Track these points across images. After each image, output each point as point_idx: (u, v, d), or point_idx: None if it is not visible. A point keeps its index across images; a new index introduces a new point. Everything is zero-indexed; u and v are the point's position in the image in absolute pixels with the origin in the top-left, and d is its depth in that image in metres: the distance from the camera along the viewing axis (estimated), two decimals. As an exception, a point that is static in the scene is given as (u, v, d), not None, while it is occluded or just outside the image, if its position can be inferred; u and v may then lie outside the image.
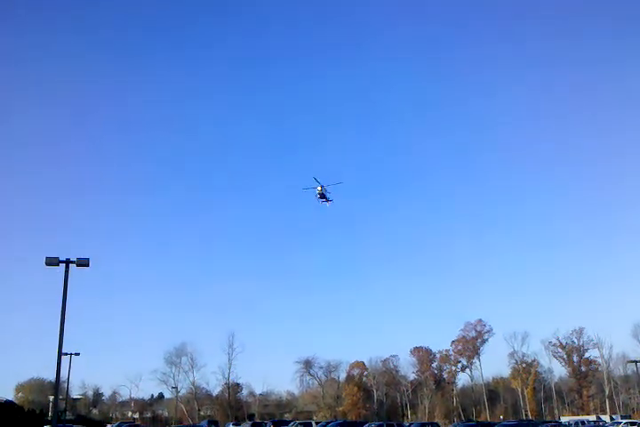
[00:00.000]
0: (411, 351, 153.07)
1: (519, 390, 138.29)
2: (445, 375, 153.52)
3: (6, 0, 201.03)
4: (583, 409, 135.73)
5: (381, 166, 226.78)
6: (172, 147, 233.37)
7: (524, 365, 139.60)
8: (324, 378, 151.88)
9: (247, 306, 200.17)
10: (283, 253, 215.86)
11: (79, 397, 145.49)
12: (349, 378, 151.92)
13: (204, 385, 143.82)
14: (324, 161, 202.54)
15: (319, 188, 73.73)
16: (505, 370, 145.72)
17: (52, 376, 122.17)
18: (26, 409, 60.60)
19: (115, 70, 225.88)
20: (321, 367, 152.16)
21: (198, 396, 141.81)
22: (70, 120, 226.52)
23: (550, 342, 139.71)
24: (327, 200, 77.26)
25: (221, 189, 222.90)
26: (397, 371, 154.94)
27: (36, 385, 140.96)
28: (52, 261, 31.67)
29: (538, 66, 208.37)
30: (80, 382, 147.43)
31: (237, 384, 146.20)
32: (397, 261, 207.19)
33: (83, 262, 32.09)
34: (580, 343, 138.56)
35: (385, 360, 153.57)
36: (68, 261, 31.90)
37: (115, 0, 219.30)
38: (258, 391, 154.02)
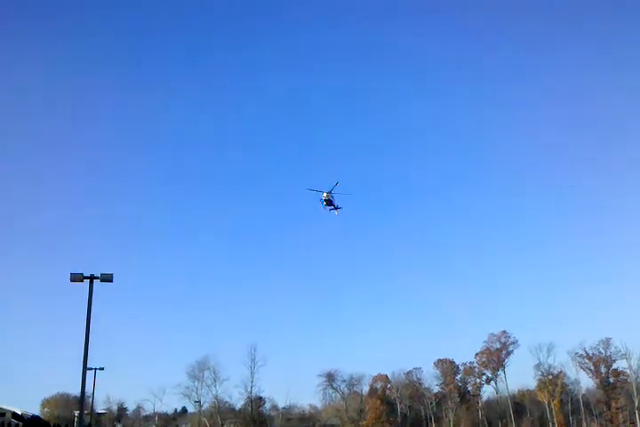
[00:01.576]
0: (434, 364, 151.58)
1: (546, 402, 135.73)
2: (470, 388, 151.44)
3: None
4: (612, 421, 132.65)
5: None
6: (202, 164, 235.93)
7: (550, 377, 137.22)
8: (346, 391, 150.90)
9: (268, 319, 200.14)
10: (303, 266, 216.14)
11: (104, 411, 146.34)
12: (372, 391, 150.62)
13: (227, 399, 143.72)
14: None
15: (325, 194, 69.88)
16: (531, 382, 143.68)
17: (77, 391, 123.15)
18: (52, 424, 61.32)
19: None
20: (343, 381, 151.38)
21: (221, 410, 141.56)
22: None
23: (577, 353, 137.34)
24: (335, 208, 73.10)
25: (245, 204, 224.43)
26: (421, 384, 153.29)
27: (62, 400, 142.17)
28: (77, 278, 32.26)
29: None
30: (104, 397, 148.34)
31: (260, 398, 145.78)
32: (420, 274, 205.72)
33: (106, 278, 32.63)
34: (608, 354, 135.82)
35: (408, 373, 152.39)
36: (92, 277, 32.48)
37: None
38: (281, 405, 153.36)
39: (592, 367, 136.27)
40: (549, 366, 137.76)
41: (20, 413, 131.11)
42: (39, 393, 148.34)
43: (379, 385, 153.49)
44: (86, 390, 34.36)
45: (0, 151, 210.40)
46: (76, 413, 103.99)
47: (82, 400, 36.27)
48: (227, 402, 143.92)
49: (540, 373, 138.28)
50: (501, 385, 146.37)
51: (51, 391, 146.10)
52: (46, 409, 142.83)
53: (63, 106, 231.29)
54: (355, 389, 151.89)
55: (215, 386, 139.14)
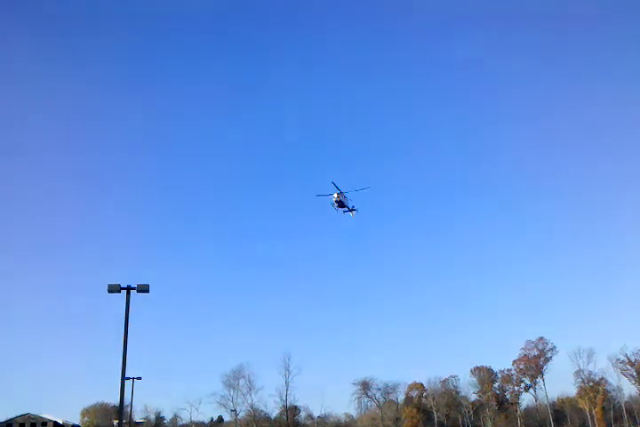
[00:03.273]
0: (471, 371, 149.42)
1: (587, 410, 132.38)
2: (508, 396, 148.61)
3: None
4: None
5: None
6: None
7: (591, 383, 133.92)
8: (382, 400, 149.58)
9: (303, 328, 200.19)
10: (337, 273, 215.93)
11: (142, 421, 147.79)
12: (408, 400, 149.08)
13: (263, 408, 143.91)
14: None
15: (335, 195, 64.32)
16: (571, 389, 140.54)
17: (115, 400, 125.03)
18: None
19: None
20: (379, 389, 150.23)
21: (257, 419, 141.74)
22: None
23: (618, 359, 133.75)
24: (350, 210, 67.44)
25: (275, 218, 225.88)
26: (458, 392, 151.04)
27: (101, 409, 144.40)
28: (114, 288, 32.93)
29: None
30: (142, 406, 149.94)
31: (295, 407, 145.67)
32: (456, 280, 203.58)
33: (143, 288, 33.21)
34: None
35: (444, 381, 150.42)
36: (129, 288, 33.11)
37: None
38: (316, 414, 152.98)
39: (634, 373, 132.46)
40: (590, 373, 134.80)
41: (61, 422, 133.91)
42: (79, 403, 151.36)
43: (414, 393, 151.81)
44: (125, 399, 34.88)
45: (35, 166, 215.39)
46: (115, 422, 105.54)
47: (120, 409, 36.76)
48: (262, 411, 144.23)
49: (580, 379, 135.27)
50: (540, 393, 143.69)
51: (90, 401, 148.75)
52: (86, 419, 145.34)
53: (99, 118, 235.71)
54: (390, 397, 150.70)
55: (250, 395, 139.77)
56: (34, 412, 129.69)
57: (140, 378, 68.10)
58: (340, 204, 65.73)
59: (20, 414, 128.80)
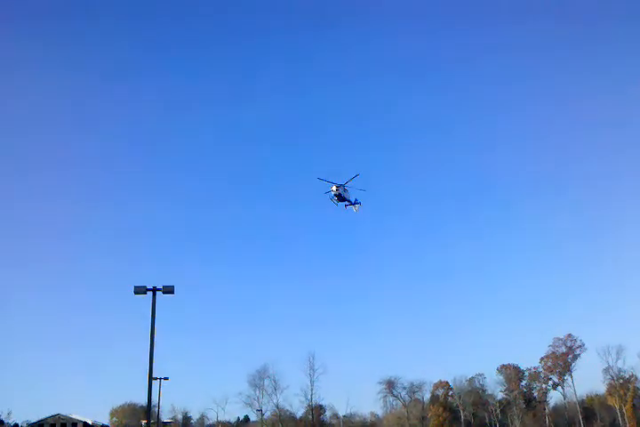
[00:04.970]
0: (497, 369, 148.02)
1: (617, 407, 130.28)
2: (536, 394, 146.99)
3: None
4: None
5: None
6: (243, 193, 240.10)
7: (620, 380, 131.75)
8: (407, 399, 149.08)
9: (327, 326, 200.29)
10: (358, 272, 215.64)
11: (169, 421, 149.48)
12: (434, 398, 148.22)
13: (288, 407, 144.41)
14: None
15: (334, 187, 60.21)
16: (600, 387, 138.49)
17: (143, 401, 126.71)
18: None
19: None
20: (404, 388, 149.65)
21: (282, 418, 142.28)
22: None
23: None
24: (351, 203, 63.04)
25: (294, 226, 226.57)
26: (484, 390, 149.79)
27: (129, 410, 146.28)
28: (140, 290, 33.37)
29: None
30: (170, 406, 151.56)
31: (320, 406, 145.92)
32: (481, 277, 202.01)
33: (168, 290, 33.61)
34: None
35: (470, 379, 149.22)
36: (154, 289, 33.53)
37: None
38: (341, 413, 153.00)
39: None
40: (619, 370, 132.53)
41: (90, 422, 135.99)
42: (108, 403, 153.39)
43: (440, 392, 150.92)
44: (152, 399, 35.31)
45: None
46: (143, 422, 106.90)
47: (148, 410, 37.24)
48: (287, 410, 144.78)
49: (609, 377, 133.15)
50: (569, 390, 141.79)
51: (119, 401, 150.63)
52: (115, 419, 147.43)
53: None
54: (416, 396, 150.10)
55: (276, 394, 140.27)
56: (64, 412, 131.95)
57: (167, 378, 68.86)
58: (340, 197, 61.66)
59: (50, 414, 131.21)
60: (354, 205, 63.65)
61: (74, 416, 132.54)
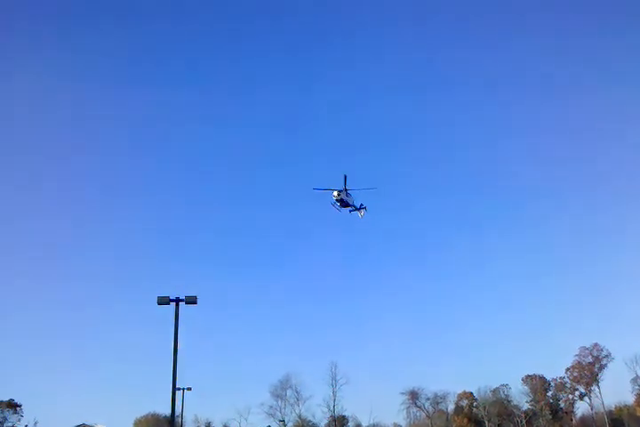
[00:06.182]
0: (522, 380, 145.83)
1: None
2: (562, 404, 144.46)
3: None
4: None
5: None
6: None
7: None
8: (431, 410, 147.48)
9: (349, 337, 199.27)
10: (382, 281, 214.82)
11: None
12: (458, 409, 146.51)
13: (311, 418, 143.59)
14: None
15: (335, 193, 56.63)
16: (629, 397, 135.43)
17: (166, 411, 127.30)
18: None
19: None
20: (428, 399, 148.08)
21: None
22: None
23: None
24: (356, 209, 59.60)
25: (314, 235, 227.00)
26: (509, 401, 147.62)
27: (153, 420, 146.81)
28: (164, 301, 33.79)
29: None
30: (192, 417, 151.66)
31: (343, 417, 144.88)
32: (506, 286, 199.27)
33: (191, 300, 33.97)
34: None
35: (495, 390, 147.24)
36: (177, 300, 33.90)
37: None
38: (364, 424, 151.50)
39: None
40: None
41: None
42: (132, 413, 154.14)
43: (464, 403, 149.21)
44: (176, 410, 35.55)
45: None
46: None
47: (172, 420, 37.46)
48: (310, 421, 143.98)
49: (637, 387, 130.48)
50: (596, 401, 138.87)
51: (142, 411, 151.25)
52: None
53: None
54: (439, 407, 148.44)
55: (298, 405, 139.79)
56: (89, 422, 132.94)
57: (190, 389, 69.31)
58: (343, 203, 57.79)
59: (76, 424, 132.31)
60: (359, 210, 60.37)
61: (99, 426, 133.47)
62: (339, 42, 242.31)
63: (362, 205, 60.32)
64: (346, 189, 57.58)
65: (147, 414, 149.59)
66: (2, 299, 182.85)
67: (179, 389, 62.77)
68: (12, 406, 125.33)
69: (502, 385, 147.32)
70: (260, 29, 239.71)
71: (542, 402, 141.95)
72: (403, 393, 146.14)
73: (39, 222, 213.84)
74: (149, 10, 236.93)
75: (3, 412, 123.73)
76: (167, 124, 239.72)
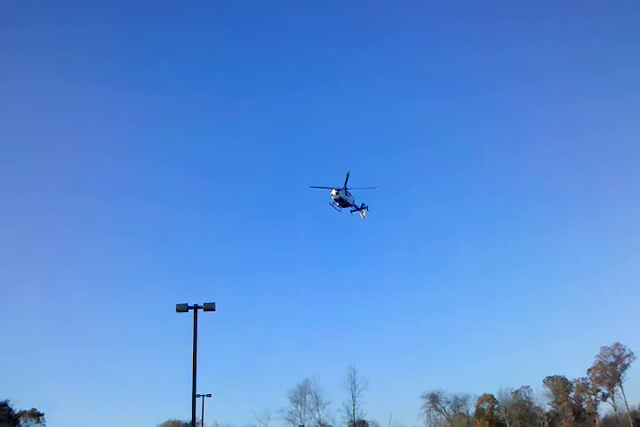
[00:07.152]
0: (543, 381, 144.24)
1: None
2: (585, 406, 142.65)
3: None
4: None
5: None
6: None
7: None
8: (452, 413, 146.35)
9: (367, 340, 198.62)
10: (400, 284, 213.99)
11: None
12: (479, 412, 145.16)
13: (331, 423, 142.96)
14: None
15: (333, 191, 53.49)
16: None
17: (186, 417, 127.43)
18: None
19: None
20: (448, 402, 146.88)
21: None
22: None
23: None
24: (357, 209, 56.30)
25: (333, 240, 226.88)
26: (531, 403, 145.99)
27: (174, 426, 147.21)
28: (182, 308, 33.97)
29: None
30: (212, 423, 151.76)
31: (363, 421, 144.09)
32: (526, 286, 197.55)
33: (209, 307, 34.11)
34: None
35: (516, 392, 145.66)
36: (196, 307, 34.06)
37: None
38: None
39: None
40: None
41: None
42: (153, 420, 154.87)
43: (485, 406, 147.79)
44: (196, 416, 35.68)
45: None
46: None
47: (193, 426, 37.63)
48: (330, 426, 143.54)
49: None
50: (620, 401, 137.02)
51: (163, 418, 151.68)
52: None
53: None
54: (460, 410, 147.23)
55: (317, 410, 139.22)
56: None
57: (210, 395, 69.45)
58: (342, 202, 54.29)
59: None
60: (360, 210, 56.94)
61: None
62: (339, 42, 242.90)
63: (363, 204, 57.16)
64: (346, 188, 54.32)
65: (167, 421, 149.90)
66: (25, 308, 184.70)
67: (199, 395, 63.03)
68: (35, 415, 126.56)
69: (523, 387, 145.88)
70: (261, 30, 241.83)
71: (564, 404, 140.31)
72: (423, 397, 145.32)
73: (55, 228, 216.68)
74: (150, 10, 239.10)
75: (26, 421, 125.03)
76: (181, 130, 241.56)
